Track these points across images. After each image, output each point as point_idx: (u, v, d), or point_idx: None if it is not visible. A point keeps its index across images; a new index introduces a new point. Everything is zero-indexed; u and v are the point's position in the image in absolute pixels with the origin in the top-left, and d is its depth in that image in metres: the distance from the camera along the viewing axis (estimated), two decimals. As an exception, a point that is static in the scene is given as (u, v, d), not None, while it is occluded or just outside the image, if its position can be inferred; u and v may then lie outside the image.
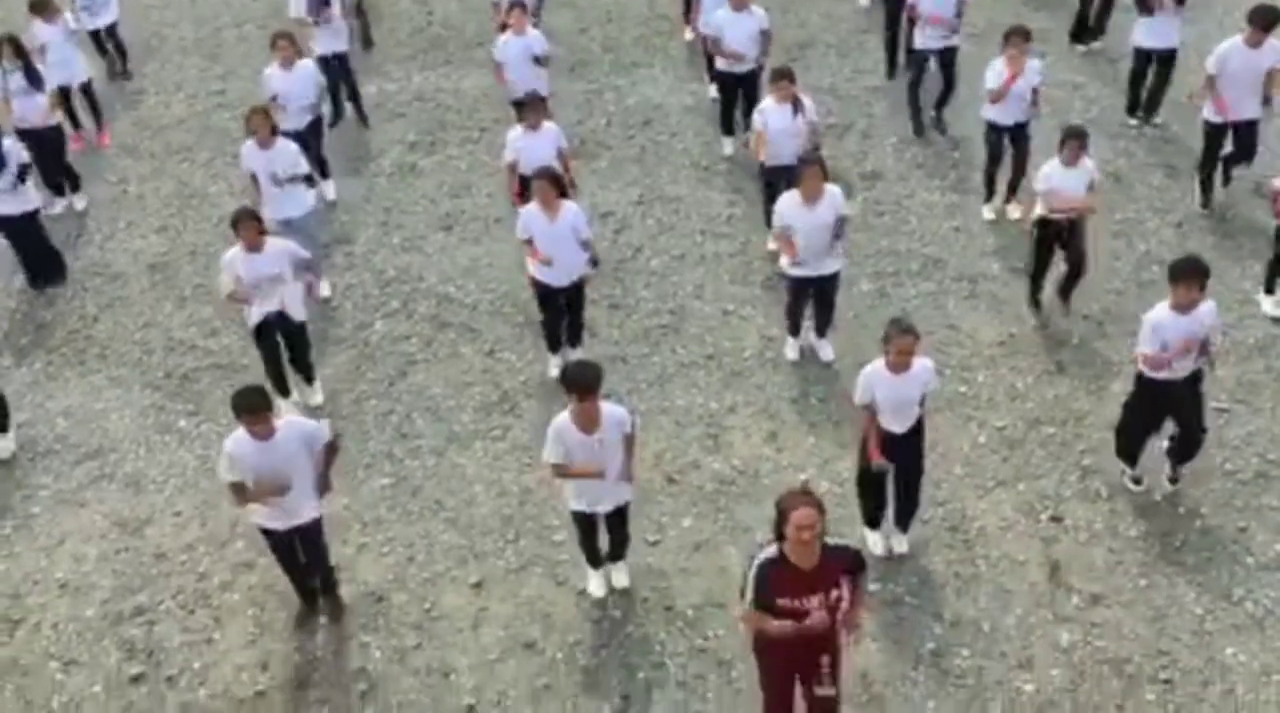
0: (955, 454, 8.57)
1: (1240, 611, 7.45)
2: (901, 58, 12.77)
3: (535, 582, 7.91)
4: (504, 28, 11.48)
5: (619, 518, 7.48)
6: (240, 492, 7.06)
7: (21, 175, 10.28)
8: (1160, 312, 7.59)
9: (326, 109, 11.86)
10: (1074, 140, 9.06)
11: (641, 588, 7.79)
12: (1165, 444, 8.17)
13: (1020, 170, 10.62)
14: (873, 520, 7.90)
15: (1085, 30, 13.11)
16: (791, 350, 9.51)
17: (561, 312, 9.30)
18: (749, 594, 5.89)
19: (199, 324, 10.31)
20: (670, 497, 8.42)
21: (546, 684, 7.29)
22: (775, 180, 9.99)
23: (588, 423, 6.94)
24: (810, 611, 5.79)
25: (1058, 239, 9.38)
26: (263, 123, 9.66)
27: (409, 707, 7.23)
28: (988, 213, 10.87)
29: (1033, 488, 8.32)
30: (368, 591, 7.92)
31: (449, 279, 10.63)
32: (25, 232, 10.59)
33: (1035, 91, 10.31)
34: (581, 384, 6.81)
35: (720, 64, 11.46)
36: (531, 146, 9.81)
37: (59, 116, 11.59)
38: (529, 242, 8.92)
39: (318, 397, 9.35)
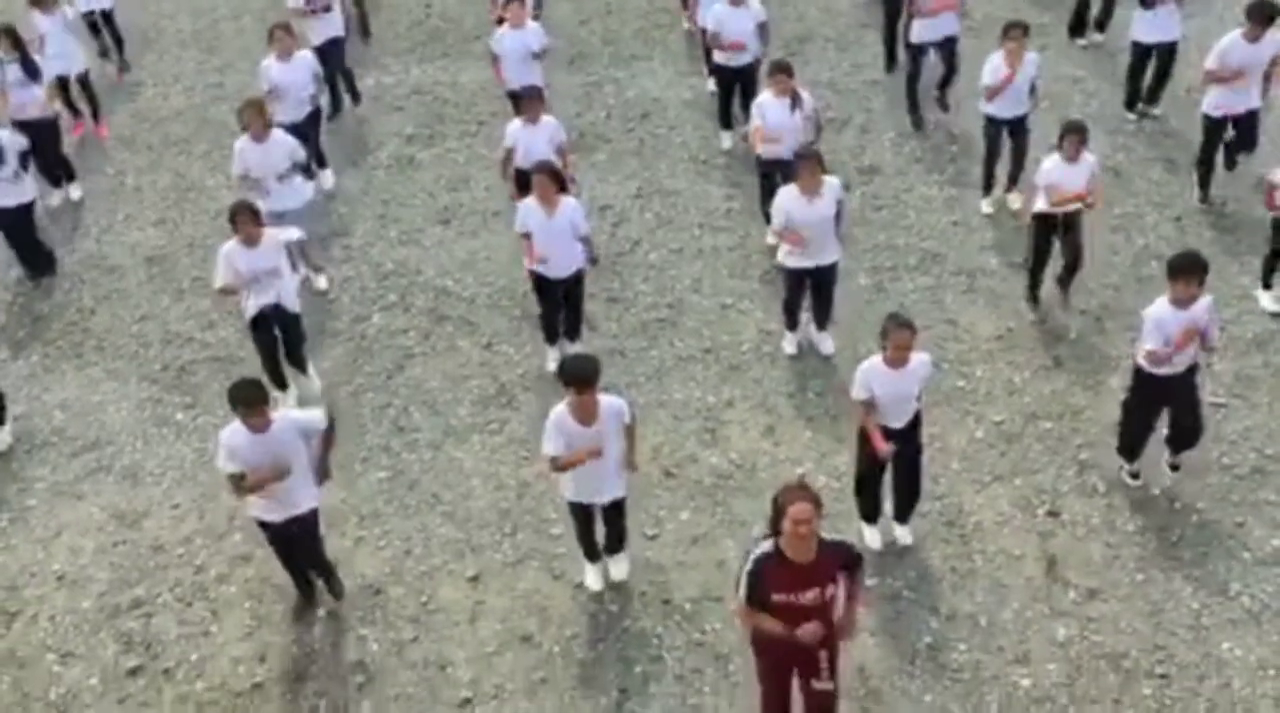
0: (952, 449, 8.57)
1: (1237, 605, 7.46)
2: (901, 53, 12.75)
3: (532, 575, 7.92)
4: (500, 21, 11.45)
5: (616, 511, 7.49)
6: (239, 483, 7.07)
7: (24, 163, 10.28)
8: (1160, 307, 7.59)
9: (324, 100, 11.84)
10: (1074, 135, 9.05)
11: (639, 582, 7.80)
12: (1164, 433, 8.17)
13: (1019, 163, 10.62)
14: (870, 516, 7.90)
15: (1084, 24, 13.09)
16: (789, 345, 9.50)
17: (559, 305, 9.30)
18: (743, 589, 5.89)
19: (196, 317, 10.30)
20: (668, 490, 8.42)
21: (543, 678, 7.30)
22: (771, 173, 9.99)
23: (586, 416, 6.94)
24: (805, 607, 5.79)
25: (1056, 233, 9.38)
26: (257, 116, 9.63)
27: (406, 700, 7.24)
28: (986, 207, 10.86)
29: (1030, 483, 8.33)
30: (365, 584, 7.92)
31: (447, 272, 10.62)
32: (21, 224, 10.58)
33: (1034, 85, 10.30)
34: (579, 378, 6.81)
35: (718, 58, 11.44)
36: (530, 140, 9.80)
37: (56, 108, 11.56)
38: (526, 236, 8.91)
39: (314, 387, 9.33)
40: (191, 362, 9.84)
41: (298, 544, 7.48)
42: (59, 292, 10.70)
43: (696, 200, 11.27)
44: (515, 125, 9.94)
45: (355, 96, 12.76)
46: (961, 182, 11.24)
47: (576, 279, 9.20)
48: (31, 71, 11.08)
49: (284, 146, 9.77)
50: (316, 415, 7.31)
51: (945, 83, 11.92)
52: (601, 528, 7.61)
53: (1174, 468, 8.23)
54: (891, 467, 7.63)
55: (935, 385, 7.67)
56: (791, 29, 13.57)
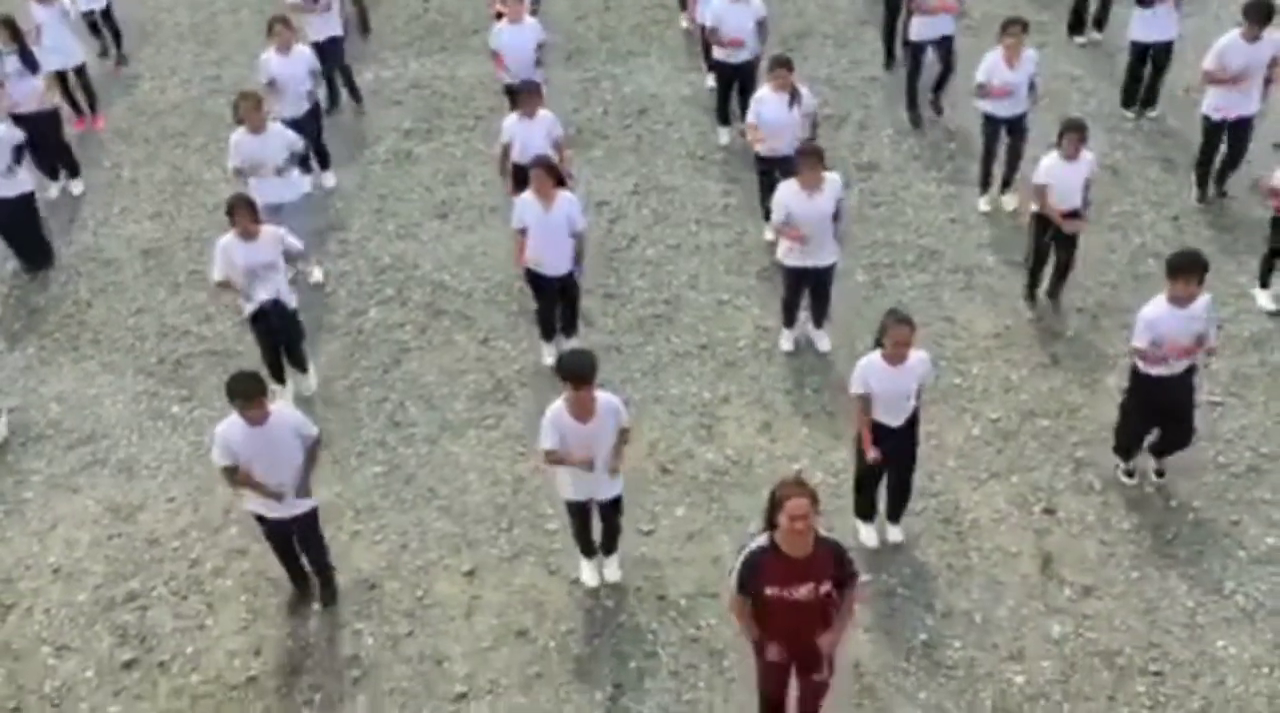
0: (949, 446, 8.58)
1: (1231, 604, 7.47)
2: (899, 50, 12.76)
3: (528, 570, 7.92)
4: (499, 16, 11.43)
5: (612, 507, 7.49)
6: (232, 476, 7.07)
7: (17, 157, 10.26)
8: (1156, 306, 7.59)
9: (322, 95, 11.82)
10: (1073, 133, 9.05)
11: (634, 577, 7.80)
12: (1150, 438, 8.18)
13: (1013, 164, 10.63)
14: (866, 514, 7.90)
15: (1083, 23, 13.09)
16: (786, 342, 9.50)
17: (555, 301, 9.29)
18: (734, 579, 5.92)
19: (192, 310, 10.29)
20: (664, 486, 8.43)
21: (538, 673, 7.30)
22: (770, 170, 9.99)
23: (583, 412, 6.93)
24: (799, 602, 5.80)
25: (1056, 232, 9.38)
26: (254, 109, 9.60)
27: (401, 694, 7.24)
28: (983, 205, 10.87)
29: (1026, 480, 8.34)
30: (360, 578, 7.92)
31: (444, 267, 10.61)
32: (20, 215, 10.56)
33: (1033, 84, 10.30)
34: (577, 373, 6.80)
35: (717, 54, 11.43)
36: (526, 135, 9.79)
37: (55, 100, 11.54)
38: (522, 232, 8.90)
39: (311, 384, 9.33)
40: (188, 355, 9.83)
41: (300, 541, 7.48)
42: (55, 284, 10.69)
43: (694, 196, 11.27)
44: (511, 120, 9.94)
45: (356, 96, 12.69)
46: (959, 179, 11.24)
47: (572, 275, 9.20)
48: (30, 64, 11.06)
49: (282, 139, 9.75)
50: (309, 422, 7.30)
51: (941, 84, 11.91)
52: (597, 525, 7.60)
53: (1159, 474, 8.23)
54: (889, 465, 7.63)
55: (932, 383, 7.65)
56: (790, 25, 13.57)
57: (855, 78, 12.79)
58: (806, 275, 9.12)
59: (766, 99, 9.91)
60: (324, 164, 11.55)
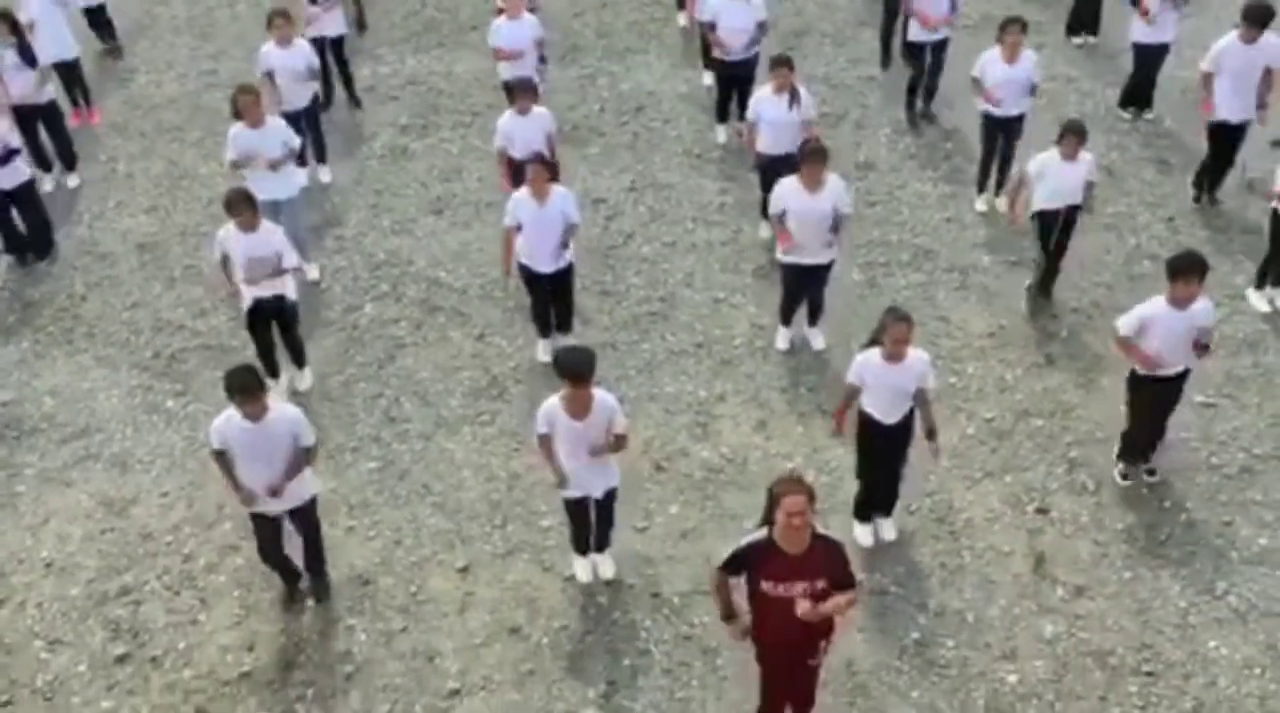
0: (944, 445, 8.56)
1: (1223, 604, 7.49)
2: (897, 50, 12.76)
3: (522, 567, 7.92)
4: (500, 12, 11.42)
5: (609, 500, 7.49)
6: (221, 460, 7.08)
7: (7, 158, 10.23)
8: (1155, 305, 7.59)
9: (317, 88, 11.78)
10: (1073, 135, 9.07)
11: (628, 575, 7.80)
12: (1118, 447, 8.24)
13: (1004, 168, 10.65)
14: (863, 514, 7.91)
15: (1082, 24, 13.10)
16: (782, 340, 9.50)
17: (547, 297, 9.29)
18: (725, 557, 5.99)
19: (187, 305, 10.27)
20: (658, 484, 8.43)
21: (531, 669, 7.30)
22: (769, 168, 9.97)
23: (579, 410, 6.94)
24: (794, 599, 5.82)
25: (1057, 229, 9.39)
26: (253, 103, 9.58)
27: (393, 690, 7.24)
28: (980, 205, 10.88)
29: (1020, 480, 8.35)
30: (354, 574, 7.91)
31: (439, 263, 10.60)
32: (22, 202, 10.55)
33: (1033, 85, 10.30)
34: (574, 371, 6.81)
35: (717, 51, 11.43)
36: (521, 131, 9.79)
37: (51, 92, 11.51)
38: (515, 229, 8.88)
39: (306, 382, 9.32)
40: (182, 350, 9.81)
41: (298, 533, 7.47)
42: (50, 278, 10.66)
43: (690, 194, 11.27)
44: (506, 118, 9.93)
45: (353, 97, 12.63)
46: (955, 179, 11.25)
47: (565, 272, 9.19)
48: (29, 58, 11.03)
49: (279, 134, 9.74)
50: (311, 432, 7.23)
51: (930, 94, 11.92)
52: (593, 519, 7.60)
53: (1151, 473, 8.25)
54: (881, 463, 7.65)
55: (934, 385, 7.60)
56: (789, 24, 13.57)
57: (853, 77, 12.79)
58: (803, 273, 9.12)
59: (765, 99, 9.91)
60: (321, 158, 11.54)
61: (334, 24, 12.04)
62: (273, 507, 7.24)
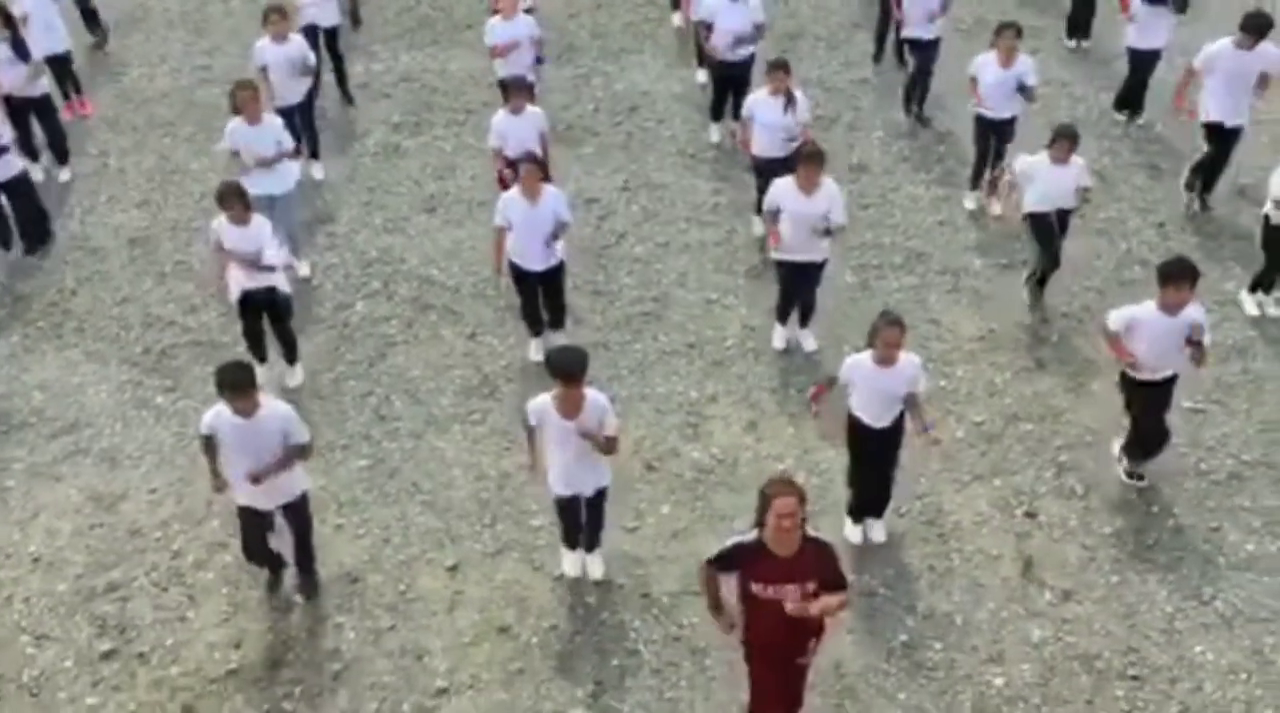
0: (933, 448, 8.59)
1: (1210, 610, 7.52)
2: (891, 48, 12.80)
3: (511, 566, 7.91)
4: (495, 12, 11.40)
5: (600, 499, 7.49)
6: (207, 444, 7.08)
7: (1, 151, 10.21)
8: (1146, 309, 7.62)
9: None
10: (1065, 140, 9.12)
11: (618, 575, 7.80)
12: (1117, 446, 8.24)
13: (996, 166, 10.67)
14: (857, 516, 7.92)
15: (1078, 27, 13.13)
16: (778, 339, 9.51)
17: (537, 295, 9.28)
18: (715, 552, 6.01)
19: (178, 301, 10.25)
20: (649, 484, 8.43)
21: (520, 668, 7.30)
22: (765, 170, 9.97)
23: (570, 409, 6.94)
24: (784, 599, 5.83)
25: (1051, 229, 9.42)
26: (252, 99, 9.57)
27: (382, 689, 7.23)
28: (969, 202, 10.91)
29: (1009, 484, 8.37)
30: (342, 572, 7.90)
31: (431, 261, 10.59)
32: (17, 195, 10.52)
33: (1028, 88, 10.32)
34: (566, 371, 6.81)
35: (712, 53, 11.43)
36: (515, 130, 9.79)
37: (45, 86, 11.47)
38: (504, 229, 8.87)
39: (297, 379, 9.30)
40: (172, 345, 9.78)
41: (289, 529, 7.45)
42: (40, 272, 10.62)
43: (683, 194, 11.27)
44: (500, 117, 9.92)
45: (346, 94, 12.60)
46: (948, 181, 11.28)
47: (555, 271, 9.19)
48: (22, 52, 10.99)
49: (275, 132, 9.72)
50: (304, 431, 7.21)
51: (922, 98, 11.96)
52: (584, 519, 7.60)
53: (1139, 477, 8.27)
54: (872, 466, 7.66)
55: (925, 389, 7.61)
56: (783, 26, 13.57)
57: (846, 79, 12.81)
58: (795, 270, 9.14)
59: (760, 102, 9.93)
60: (314, 154, 11.51)
61: (327, 14, 11.99)
62: (264, 502, 7.23)
